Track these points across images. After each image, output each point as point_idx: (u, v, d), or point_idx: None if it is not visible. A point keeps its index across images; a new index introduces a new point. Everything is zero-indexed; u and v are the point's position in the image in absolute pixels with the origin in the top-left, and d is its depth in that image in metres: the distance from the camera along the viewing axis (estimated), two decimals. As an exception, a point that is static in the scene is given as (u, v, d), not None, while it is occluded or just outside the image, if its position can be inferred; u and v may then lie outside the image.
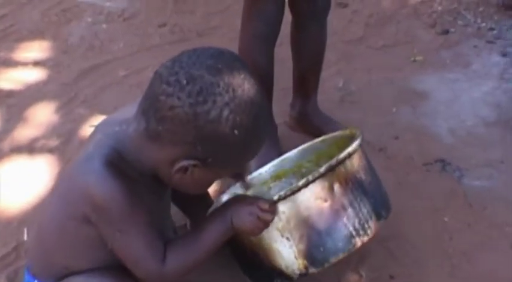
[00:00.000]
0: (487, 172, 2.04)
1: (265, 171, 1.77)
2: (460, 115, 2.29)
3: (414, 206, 1.92)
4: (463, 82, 2.46)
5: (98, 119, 2.23)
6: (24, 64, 2.61)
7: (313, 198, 1.40)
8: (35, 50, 2.70)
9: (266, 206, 1.35)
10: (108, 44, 2.74)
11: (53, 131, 2.24)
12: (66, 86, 2.48)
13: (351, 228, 1.43)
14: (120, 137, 1.31)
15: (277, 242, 1.41)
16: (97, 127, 1.43)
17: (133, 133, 1.30)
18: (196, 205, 1.71)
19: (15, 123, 2.28)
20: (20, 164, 2.11)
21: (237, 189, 1.73)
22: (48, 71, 2.56)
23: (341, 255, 1.43)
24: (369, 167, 1.53)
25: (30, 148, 2.17)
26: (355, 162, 1.45)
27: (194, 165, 1.26)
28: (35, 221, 1.84)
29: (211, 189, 1.82)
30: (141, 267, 1.33)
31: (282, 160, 1.73)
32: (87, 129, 2.21)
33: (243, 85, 1.24)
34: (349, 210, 1.43)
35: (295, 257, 1.42)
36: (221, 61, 1.24)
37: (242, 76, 1.25)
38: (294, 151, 1.72)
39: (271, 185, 1.74)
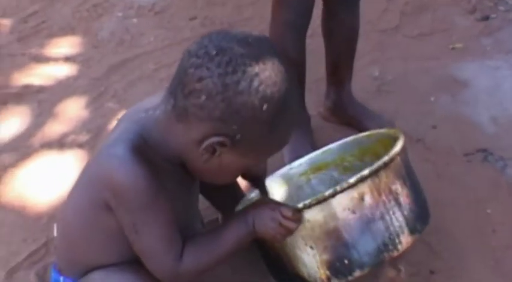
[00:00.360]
0: (531, 162, 1.95)
1: (305, 162, 1.71)
2: (502, 103, 2.19)
3: (455, 198, 1.84)
4: (504, 69, 2.36)
5: (128, 114, 2.22)
6: (55, 60, 2.60)
7: (340, 208, 1.32)
8: (66, 45, 2.68)
9: (289, 214, 1.29)
10: (138, 38, 2.71)
11: (83, 126, 2.22)
12: (96, 80, 2.46)
13: (380, 242, 1.35)
14: (146, 123, 1.28)
15: (300, 249, 1.35)
16: (123, 116, 1.39)
17: (161, 115, 1.27)
18: (228, 198, 1.67)
19: (46, 119, 2.27)
20: (50, 159, 2.09)
21: (269, 183, 1.66)
22: (79, 66, 2.55)
23: (366, 270, 1.36)
24: (409, 176, 1.44)
25: (60, 143, 2.15)
26: (392, 173, 1.37)
27: (222, 145, 1.21)
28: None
29: (243, 185, 1.77)
30: (155, 262, 1.28)
31: (324, 152, 1.67)
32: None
33: (273, 59, 1.20)
34: (379, 223, 1.35)
35: (318, 267, 1.36)
36: (251, 36, 1.22)
37: (272, 51, 1.22)
38: (337, 143, 1.66)
39: (311, 176, 1.68)
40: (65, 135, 2.18)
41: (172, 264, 1.28)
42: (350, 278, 1.36)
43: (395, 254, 1.38)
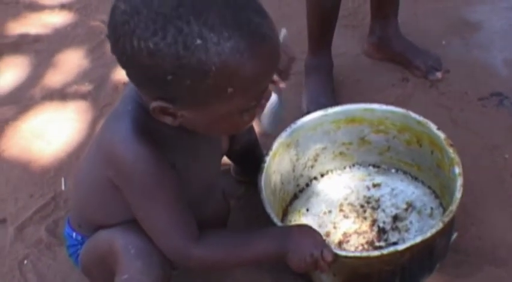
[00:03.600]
0: (548, 105, 1.91)
1: (342, 111, 1.62)
2: (516, 45, 2.14)
3: (471, 143, 1.80)
4: (517, 10, 2.29)
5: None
6: (51, 8, 2.50)
7: (378, 262, 1.34)
8: (60, -8, 2.59)
9: (330, 258, 1.24)
10: (136, -16, 2.61)
11: (84, 76, 2.15)
12: (95, 29, 2.37)
13: None
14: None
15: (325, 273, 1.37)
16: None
17: None
18: (244, 151, 1.62)
19: (45, 69, 2.20)
20: (52, 111, 2.03)
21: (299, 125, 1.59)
22: (76, 14, 2.46)
23: None
24: (450, 227, 1.44)
25: (62, 94, 2.08)
26: (438, 234, 1.34)
27: (166, 109, 1.08)
28: (72, 171, 1.78)
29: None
30: (164, 243, 1.21)
31: (366, 109, 1.60)
32: (119, 73, 2.10)
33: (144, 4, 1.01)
34: (406, 272, 1.40)
35: None
36: None
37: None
38: (383, 107, 1.59)
39: (342, 125, 1.63)
40: (66, 86, 2.11)
41: (182, 245, 1.21)
42: None
43: None
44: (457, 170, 1.43)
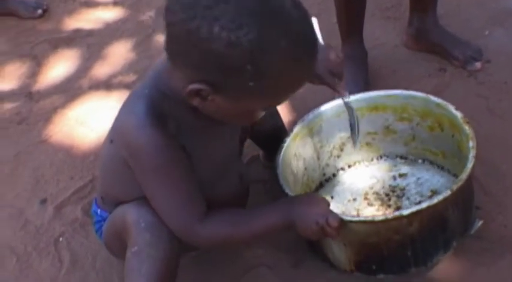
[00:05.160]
0: None
1: (364, 99, 1.63)
2: (561, 35, 2.07)
3: (506, 133, 1.76)
4: None
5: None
6: (105, 4, 2.63)
7: (385, 229, 1.34)
8: (115, -11, 2.70)
9: (335, 224, 1.25)
10: (187, -19, 2.69)
11: (129, 67, 2.24)
12: (144, 23, 2.47)
13: (412, 260, 1.40)
14: (162, 73, 1.23)
15: (334, 240, 1.38)
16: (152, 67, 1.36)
17: (166, 63, 1.19)
18: (269, 136, 1.66)
19: (94, 62, 2.31)
20: (97, 100, 2.13)
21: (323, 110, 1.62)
22: (128, 10, 2.56)
23: (390, 275, 1.43)
24: (464, 197, 1.41)
25: (107, 85, 2.18)
26: (449, 202, 1.34)
27: (204, 92, 1.11)
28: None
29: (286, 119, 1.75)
30: (171, 222, 1.26)
31: (388, 96, 1.61)
32: (162, 64, 2.18)
33: None
34: (418, 245, 1.38)
35: (345, 259, 1.43)
36: None
37: None
38: (405, 92, 1.59)
39: (366, 113, 1.63)
40: (112, 77, 2.21)
41: (187, 226, 1.25)
42: (372, 277, 1.43)
43: (423, 269, 1.43)
44: (471, 143, 1.41)
